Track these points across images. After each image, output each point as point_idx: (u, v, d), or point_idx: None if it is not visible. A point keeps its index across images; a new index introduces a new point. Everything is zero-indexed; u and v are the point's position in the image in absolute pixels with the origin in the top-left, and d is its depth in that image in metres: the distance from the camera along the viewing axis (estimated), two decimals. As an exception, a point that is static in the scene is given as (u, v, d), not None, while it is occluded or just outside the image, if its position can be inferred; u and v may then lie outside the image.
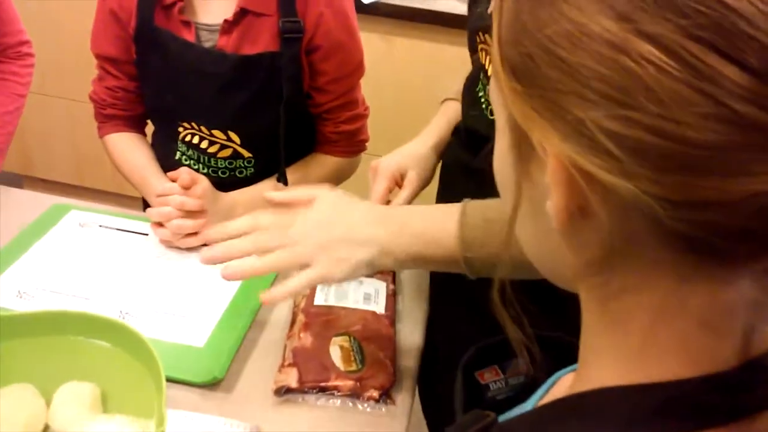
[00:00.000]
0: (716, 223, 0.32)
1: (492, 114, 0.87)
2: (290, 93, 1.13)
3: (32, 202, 1.19)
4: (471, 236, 0.76)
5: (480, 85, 0.95)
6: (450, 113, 1.11)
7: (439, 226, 0.78)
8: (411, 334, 1.01)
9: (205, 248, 0.80)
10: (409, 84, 2.21)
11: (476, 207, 0.78)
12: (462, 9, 2.27)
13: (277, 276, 1.04)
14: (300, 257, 0.77)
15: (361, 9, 2.12)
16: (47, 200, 1.20)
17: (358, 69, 1.21)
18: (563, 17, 0.34)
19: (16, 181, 2.51)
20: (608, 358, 0.40)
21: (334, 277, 0.77)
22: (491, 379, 0.59)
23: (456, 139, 1.07)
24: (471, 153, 0.98)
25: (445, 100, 1.15)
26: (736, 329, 0.37)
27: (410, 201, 1.00)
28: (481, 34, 0.92)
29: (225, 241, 0.80)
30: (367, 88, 1.30)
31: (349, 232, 0.78)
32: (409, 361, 0.97)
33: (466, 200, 0.79)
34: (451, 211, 0.79)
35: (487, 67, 0.91)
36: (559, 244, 0.40)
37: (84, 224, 1.13)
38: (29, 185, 2.56)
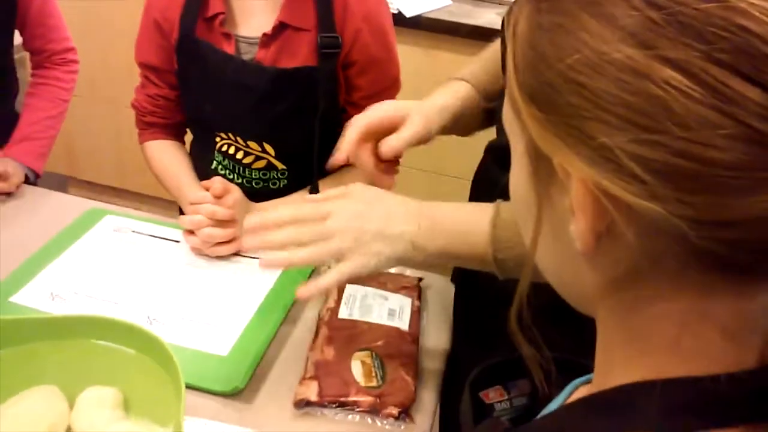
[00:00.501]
0: (742, 240, 0.33)
1: None
2: (326, 107, 1.14)
3: (72, 205, 1.22)
4: (503, 237, 0.77)
5: None
6: (462, 93, 0.99)
7: (472, 224, 0.79)
8: (434, 351, 1.01)
9: (246, 237, 0.82)
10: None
11: (509, 208, 0.78)
12: (504, 24, 2.25)
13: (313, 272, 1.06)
14: (334, 251, 0.79)
15: (403, 23, 2.13)
16: (86, 204, 1.23)
17: (393, 85, 1.22)
18: (585, 46, 0.35)
19: (62, 182, 2.58)
20: (629, 366, 0.40)
21: (366, 270, 0.80)
22: (496, 399, 0.59)
23: (490, 157, 1.06)
24: (505, 169, 0.96)
25: (453, 79, 1.03)
26: (756, 336, 0.38)
27: (409, 142, 0.90)
28: None
29: (264, 230, 0.83)
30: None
31: (383, 226, 0.80)
32: (431, 380, 0.96)
33: (499, 201, 0.80)
34: (485, 210, 0.80)
35: None
36: (579, 264, 0.41)
37: (118, 229, 1.15)
38: (74, 187, 2.62)
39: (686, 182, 0.33)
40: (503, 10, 2.25)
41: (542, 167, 0.40)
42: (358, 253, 0.79)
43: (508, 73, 0.42)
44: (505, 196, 0.75)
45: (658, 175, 0.33)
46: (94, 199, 2.70)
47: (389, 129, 0.89)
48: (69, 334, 0.82)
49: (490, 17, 2.22)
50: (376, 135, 0.90)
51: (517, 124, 0.42)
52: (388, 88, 1.22)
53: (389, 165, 0.95)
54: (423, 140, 0.90)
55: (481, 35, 2.15)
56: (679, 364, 0.38)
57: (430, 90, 2.31)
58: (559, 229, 0.41)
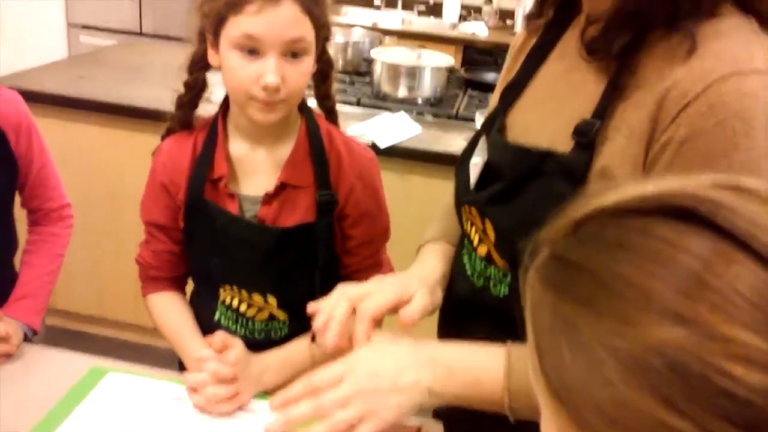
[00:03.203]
0: None
1: (478, 280, 0.94)
2: (325, 258, 1.20)
3: (72, 362, 1.23)
4: (516, 387, 0.82)
5: (465, 251, 0.99)
6: (447, 253, 1.08)
7: (486, 373, 0.84)
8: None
9: (269, 423, 0.86)
10: (425, 220, 2.28)
11: (521, 356, 0.83)
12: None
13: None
14: (353, 417, 0.83)
15: (377, 152, 2.23)
16: (87, 361, 1.24)
17: (384, 234, 1.29)
18: (609, 386, 0.38)
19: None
20: None
21: (386, 426, 0.83)
22: None
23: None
24: (460, 322, 1.01)
25: (427, 243, 1.12)
26: None
27: (422, 315, 0.94)
28: (467, 206, 0.97)
29: (285, 404, 0.86)
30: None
31: (396, 379, 0.84)
32: None
33: (509, 344, 0.84)
34: (497, 355, 0.84)
35: (471, 237, 0.97)
36: None
37: (121, 389, 1.17)
38: (51, 316, 2.60)
39: None
40: (471, 134, 2.37)
41: None
42: (377, 412, 0.82)
43: (529, 347, 0.46)
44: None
45: None
46: (72, 328, 2.67)
47: (395, 309, 0.92)
48: None
49: (458, 143, 2.33)
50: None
51: (542, 397, 0.45)
52: (379, 238, 1.29)
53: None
54: (428, 314, 0.95)
55: (450, 160, 2.26)
56: None
57: (406, 212, 2.40)
58: None
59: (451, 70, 2.71)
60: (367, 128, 2.30)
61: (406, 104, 2.56)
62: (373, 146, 2.19)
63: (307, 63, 1.09)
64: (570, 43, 0.89)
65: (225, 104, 1.21)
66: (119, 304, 2.46)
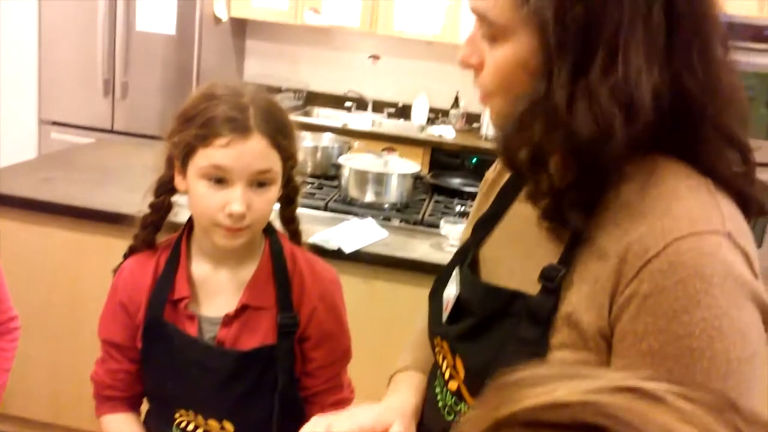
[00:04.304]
0: None
1: (448, 415, 0.93)
2: (284, 382, 1.19)
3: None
4: None
5: (437, 382, 0.98)
6: (419, 385, 1.08)
7: None
8: None
9: None
10: (390, 325, 2.28)
11: None
12: (437, 257, 2.42)
13: None
14: None
15: (343, 257, 2.25)
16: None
17: (345, 356, 1.29)
18: None
19: (-10, 421, 2.47)
20: None
21: None
22: None
23: None
24: None
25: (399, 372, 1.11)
26: None
27: None
28: (439, 338, 0.97)
29: None
30: (352, 330, 1.32)
31: None
32: None
33: None
34: None
35: (443, 371, 0.96)
36: None
37: None
38: (4, 423, 2.51)
39: None
40: (436, 241, 2.41)
41: None
42: None
43: None
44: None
45: None
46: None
47: None
48: None
49: (424, 249, 2.36)
50: None
51: None
52: (341, 359, 1.29)
53: None
54: None
55: (415, 266, 2.28)
56: None
57: (370, 316, 2.35)
58: None
59: (417, 177, 2.77)
60: (334, 233, 2.32)
61: (373, 209, 2.60)
62: (339, 251, 2.21)
63: (273, 191, 1.12)
64: None
65: (188, 225, 1.23)
66: (75, 410, 2.38)
